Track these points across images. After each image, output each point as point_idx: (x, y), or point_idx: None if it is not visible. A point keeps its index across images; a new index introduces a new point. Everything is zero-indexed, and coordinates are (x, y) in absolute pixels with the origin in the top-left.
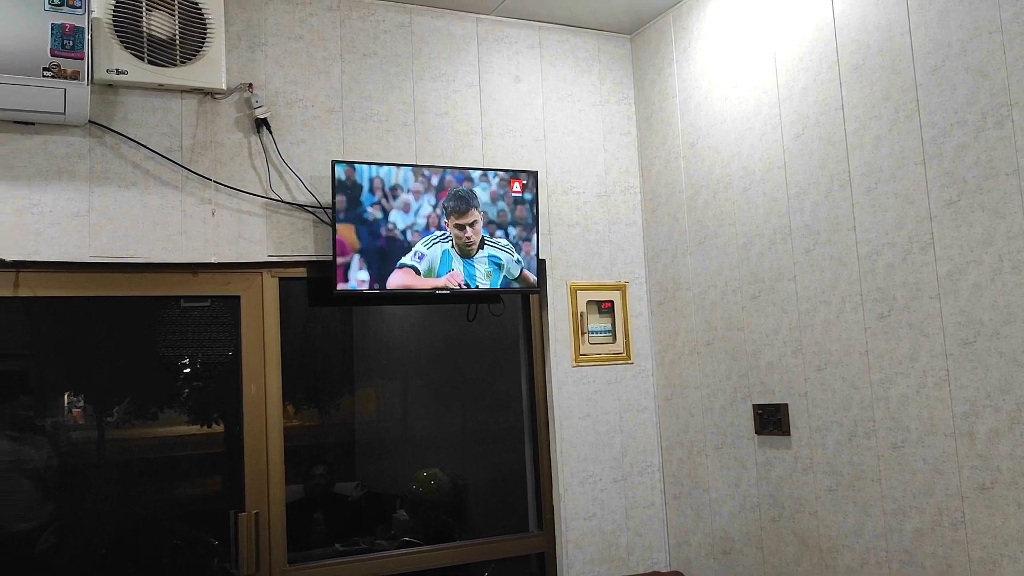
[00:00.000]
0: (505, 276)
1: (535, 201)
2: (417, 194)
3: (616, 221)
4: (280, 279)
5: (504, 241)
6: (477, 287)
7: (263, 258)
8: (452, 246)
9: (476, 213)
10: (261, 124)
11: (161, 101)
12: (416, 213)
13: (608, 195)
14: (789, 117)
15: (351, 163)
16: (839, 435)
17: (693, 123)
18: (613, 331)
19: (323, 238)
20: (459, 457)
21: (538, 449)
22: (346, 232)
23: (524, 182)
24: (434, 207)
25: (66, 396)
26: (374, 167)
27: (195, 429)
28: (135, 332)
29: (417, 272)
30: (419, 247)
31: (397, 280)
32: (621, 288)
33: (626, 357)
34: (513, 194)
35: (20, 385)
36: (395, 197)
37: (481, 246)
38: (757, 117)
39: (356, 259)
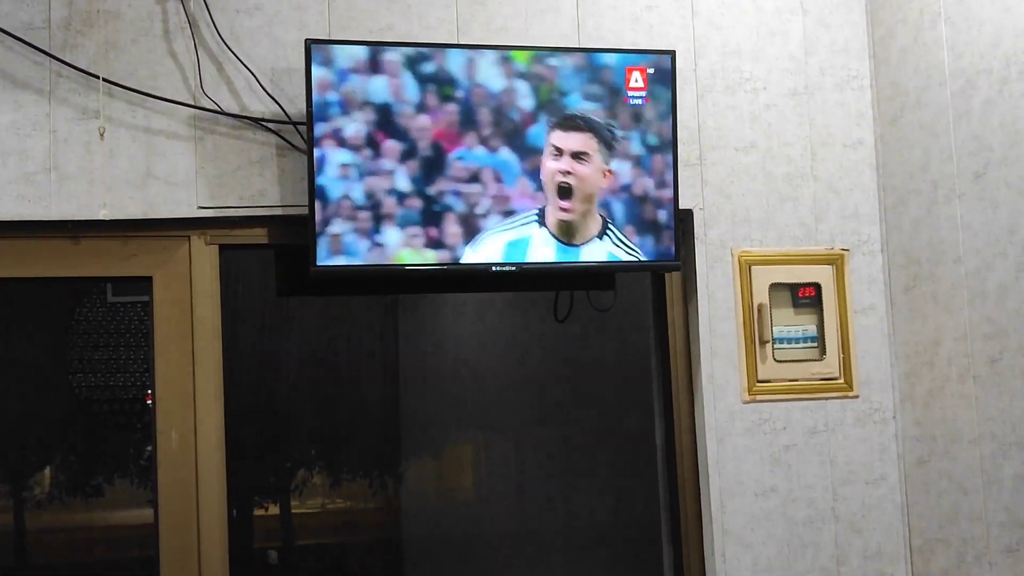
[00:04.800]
0: None
1: (671, 107)
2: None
3: (826, 141)
4: (221, 248)
5: (629, 242)
6: (542, 263)
7: (191, 212)
8: (540, 224)
9: (594, 143)
10: None
11: None
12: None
13: (811, 93)
14: None
15: (339, 43)
16: None
17: None
18: (820, 339)
19: (294, 175)
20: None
21: (681, 552)
22: (333, 164)
23: (650, 72)
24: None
25: None
26: (382, 51)
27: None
28: (28, 346)
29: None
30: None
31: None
32: (835, 261)
33: (845, 385)
34: (630, 93)
35: None
36: (423, 106)
37: (604, 231)
38: None
39: (348, 210)
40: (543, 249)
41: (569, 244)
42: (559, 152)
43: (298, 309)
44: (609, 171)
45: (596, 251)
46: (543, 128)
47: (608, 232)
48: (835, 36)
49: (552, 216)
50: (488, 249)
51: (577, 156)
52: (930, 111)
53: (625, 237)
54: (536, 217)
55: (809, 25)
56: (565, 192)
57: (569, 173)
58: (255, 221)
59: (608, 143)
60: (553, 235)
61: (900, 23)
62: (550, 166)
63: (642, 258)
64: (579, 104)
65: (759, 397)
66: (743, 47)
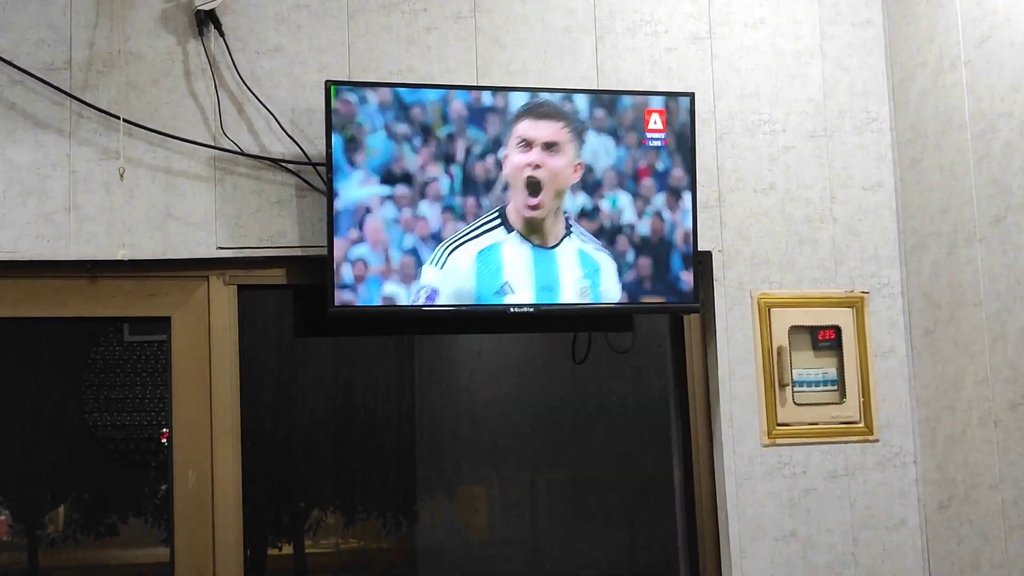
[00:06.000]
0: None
1: (690, 147)
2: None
3: (845, 183)
4: (240, 288)
5: (594, 242)
6: (560, 304)
7: (210, 252)
8: (506, 228)
9: (565, 134)
10: (206, 21)
11: None
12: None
13: (830, 135)
14: None
15: (360, 85)
16: None
17: (983, 0)
18: (840, 382)
19: (313, 216)
20: None
21: None
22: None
23: (668, 113)
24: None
25: None
26: (402, 92)
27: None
28: (44, 385)
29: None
30: (438, 249)
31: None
32: (855, 303)
33: (865, 429)
34: (649, 135)
35: None
36: (440, 142)
37: (567, 230)
38: None
39: (369, 251)
40: (517, 254)
41: (542, 247)
42: (527, 145)
43: (315, 349)
44: (580, 164)
45: (569, 250)
46: (507, 120)
47: (571, 229)
48: (854, 79)
49: (516, 215)
50: (460, 263)
51: (548, 147)
52: (950, 154)
53: (586, 231)
54: (498, 218)
55: (828, 68)
56: (534, 188)
57: (539, 167)
58: (273, 262)
59: (579, 133)
60: (522, 236)
61: (919, 66)
62: (516, 160)
63: (610, 261)
64: (594, 144)
65: (779, 441)
66: (762, 89)
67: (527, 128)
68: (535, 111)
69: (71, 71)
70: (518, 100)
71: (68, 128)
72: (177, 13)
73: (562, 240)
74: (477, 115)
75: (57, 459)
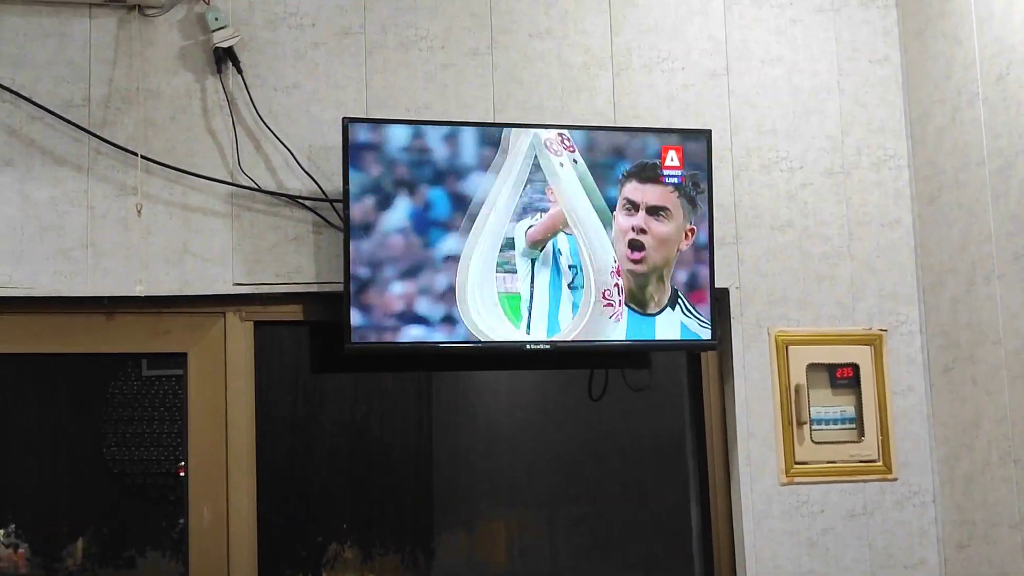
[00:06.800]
0: None
1: (707, 185)
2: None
3: (863, 220)
4: (256, 325)
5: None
6: (577, 341)
7: (227, 288)
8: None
9: (673, 198)
10: (224, 58)
11: (56, 22)
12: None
13: (847, 172)
14: None
15: (377, 122)
16: None
17: (1001, 37)
18: (858, 420)
19: (330, 252)
20: None
21: None
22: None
23: (686, 151)
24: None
25: None
26: (419, 129)
27: None
28: (62, 419)
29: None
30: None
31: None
32: (873, 341)
33: (883, 468)
34: (666, 172)
35: None
36: (458, 177)
37: (674, 301)
38: None
39: (391, 284)
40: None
41: (644, 314)
42: (633, 207)
43: (332, 384)
44: (692, 229)
45: (671, 319)
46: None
47: (679, 300)
48: (872, 116)
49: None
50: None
51: (655, 211)
52: (968, 191)
53: (692, 304)
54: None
55: (845, 105)
56: (637, 247)
57: (644, 232)
58: (290, 298)
59: (691, 199)
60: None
61: (937, 103)
62: (621, 222)
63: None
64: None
65: (796, 479)
66: (779, 126)
67: (634, 190)
68: (643, 175)
69: (89, 108)
70: (530, 135)
71: (86, 164)
72: (195, 50)
73: (664, 308)
74: (487, 152)
75: (75, 493)
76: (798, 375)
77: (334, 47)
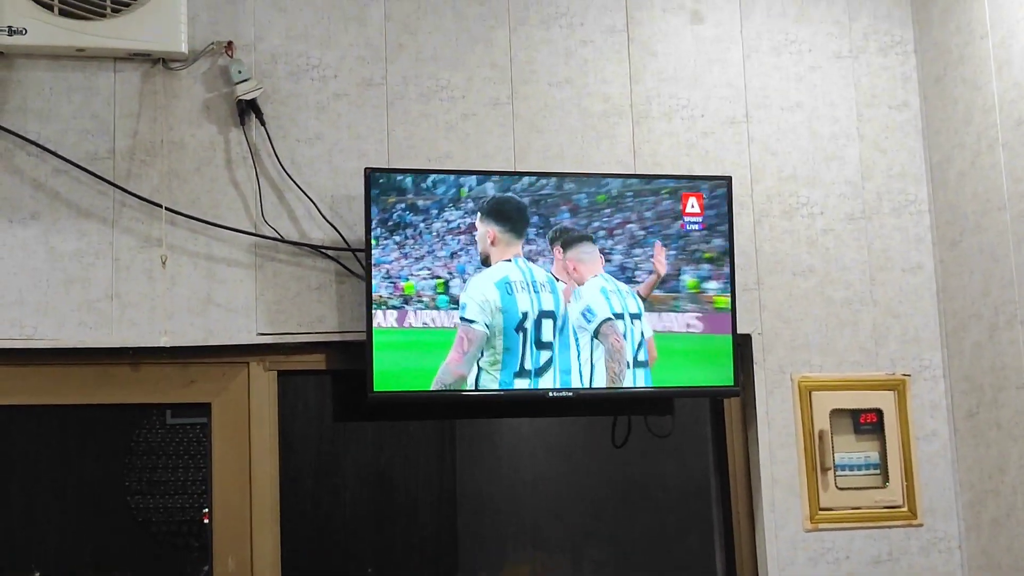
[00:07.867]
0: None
1: (728, 232)
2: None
3: (884, 265)
4: (280, 374)
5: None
6: (599, 388)
7: (251, 338)
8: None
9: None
10: (247, 110)
11: (82, 76)
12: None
13: (868, 217)
14: None
15: (400, 172)
16: None
17: (1020, 82)
18: (883, 466)
19: (352, 301)
20: None
21: None
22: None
23: (707, 197)
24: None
25: None
26: (441, 179)
27: None
28: (88, 467)
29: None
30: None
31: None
32: (896, 387)
33: (908, 513)
34: (687, 219)
35: None
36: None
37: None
38: None
39: (407, 337)
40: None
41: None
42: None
43: (355, 430)
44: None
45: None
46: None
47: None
48: (892, 161)
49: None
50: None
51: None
52: (990, 235)
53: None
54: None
55: (865, 150)
56: None
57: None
58: (313, 347)
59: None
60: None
61: (957, 148)
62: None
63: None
64: (634, 228)
65: (821, 525)
66: (799, 172)
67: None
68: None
69: (114, 160)
70: (552, 185)
71: (111, 216)
72: (219, 103)
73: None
74: (510, 199)
75: (100, 541)
76: (822, 421)
77: (356, 98)
